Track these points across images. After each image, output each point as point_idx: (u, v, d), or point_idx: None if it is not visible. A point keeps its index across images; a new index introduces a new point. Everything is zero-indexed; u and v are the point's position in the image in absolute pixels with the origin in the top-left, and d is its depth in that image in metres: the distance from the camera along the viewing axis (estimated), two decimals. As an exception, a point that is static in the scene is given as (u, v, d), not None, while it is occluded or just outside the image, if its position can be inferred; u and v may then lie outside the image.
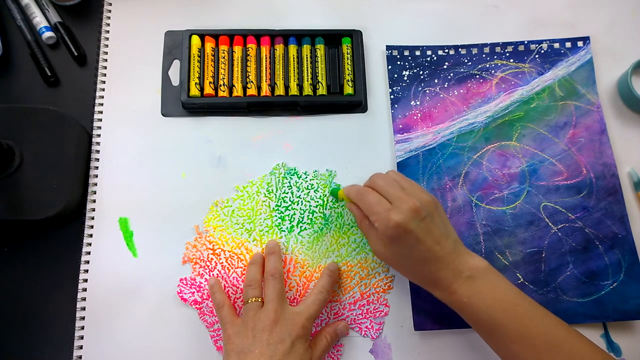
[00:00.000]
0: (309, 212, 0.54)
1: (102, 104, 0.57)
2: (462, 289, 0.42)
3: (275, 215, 0.54)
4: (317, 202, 0.54)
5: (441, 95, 0.58)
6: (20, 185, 0.49)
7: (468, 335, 0.51)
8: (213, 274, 0.52)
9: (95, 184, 0.54)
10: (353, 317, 0.51)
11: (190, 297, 0.51)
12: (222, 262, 0.52)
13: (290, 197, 0.54)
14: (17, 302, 0.51)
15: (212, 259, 0.52)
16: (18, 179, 0.49)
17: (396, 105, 0.58)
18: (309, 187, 0.54)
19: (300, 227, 0.53)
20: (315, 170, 0.55)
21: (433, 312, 0.51)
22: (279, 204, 0.54)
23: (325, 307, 0.50)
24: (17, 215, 0.49)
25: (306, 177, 0.55)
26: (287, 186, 0.54)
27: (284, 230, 0.53)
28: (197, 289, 0.51)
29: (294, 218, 0.54)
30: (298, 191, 0.54)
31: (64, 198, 0.50)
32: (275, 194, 0.54)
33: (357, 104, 0.58)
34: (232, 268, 0.52)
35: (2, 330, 0.50)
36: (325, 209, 0.54)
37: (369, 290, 0.52)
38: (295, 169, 0.55)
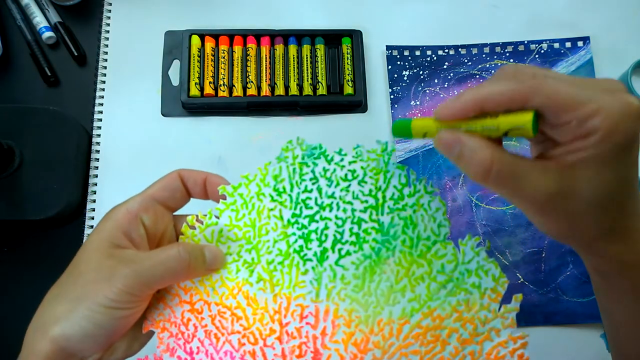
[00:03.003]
0: (351, 222, 0.32)
1: (102, 104, 0.56)
2: None
3: (293, 232, 0.32)
4: (366, 201, 0.32)
5: (441, 95, 0.58)
6: (20, 185, 0.49)
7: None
8: (190, 348, 0.31)
9: (95, 184, 0.54)
10: None
11: None
12: (206, 325, 0.31)
13: (316, 198, 0.32)
14: (16, 303, 0.51)
15: (189, 319, 0.31)
16: (18, 179, 0.49)
17: (396, 105, 0.58)
18: (349, 177, 0.32)
19: (339, 250, 0.31)
20: (358, 146, 0.33)
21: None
22: (297, 211, 0.32)
23: None
24: (17, 215, 0.49)
25: (341, 161, 0.33)
26: (310, 178, 0.32)
27: (311, 259, 0.31)
28: None
29: (326, 235, 0.32)
30: (330, 186, 0.32)
31: (64, 198, 0.50)
32: (289, 195, 0.32)
33: (357, 104, 0.58)
34: (223, 334, 0.30)
35: (2, 330, 0.50)
36: (382, 213, 0.32)
37: None
38: (321, 147, 0.33)
